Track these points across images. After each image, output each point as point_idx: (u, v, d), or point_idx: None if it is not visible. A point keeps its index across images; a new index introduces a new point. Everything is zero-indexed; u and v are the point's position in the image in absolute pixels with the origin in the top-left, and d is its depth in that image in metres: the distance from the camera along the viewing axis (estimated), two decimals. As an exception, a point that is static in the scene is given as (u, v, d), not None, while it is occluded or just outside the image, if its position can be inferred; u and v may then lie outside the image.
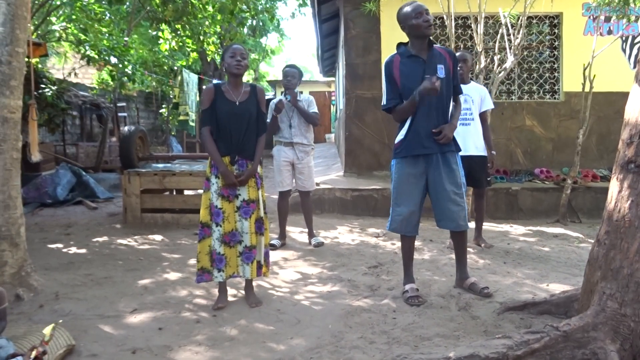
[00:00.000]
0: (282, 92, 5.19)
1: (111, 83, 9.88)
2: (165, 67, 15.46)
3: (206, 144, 3.43)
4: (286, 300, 3.56)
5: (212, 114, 3.43)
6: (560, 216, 6.38)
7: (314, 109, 5.17)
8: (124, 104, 14.66)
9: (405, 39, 3.52)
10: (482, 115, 4.78)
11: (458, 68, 3.83)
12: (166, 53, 13.41)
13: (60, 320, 2.95)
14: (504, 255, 4.68)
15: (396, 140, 3.51)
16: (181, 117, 11.27)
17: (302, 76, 5.21)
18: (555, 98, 8.03)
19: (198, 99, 11.90)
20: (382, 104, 3.57)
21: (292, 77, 5.06)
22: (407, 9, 3.37)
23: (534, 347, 2.41)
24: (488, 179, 4.82)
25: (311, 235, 5.27)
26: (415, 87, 3.29)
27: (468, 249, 4.82)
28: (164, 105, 17.50)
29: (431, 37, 3.44)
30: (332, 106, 21.62)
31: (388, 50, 7.77)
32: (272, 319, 3.21)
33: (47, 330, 2.58)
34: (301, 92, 5.23)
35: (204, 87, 15.64)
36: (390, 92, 3.47)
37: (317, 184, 7.18)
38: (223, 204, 3.41)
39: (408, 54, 3.42)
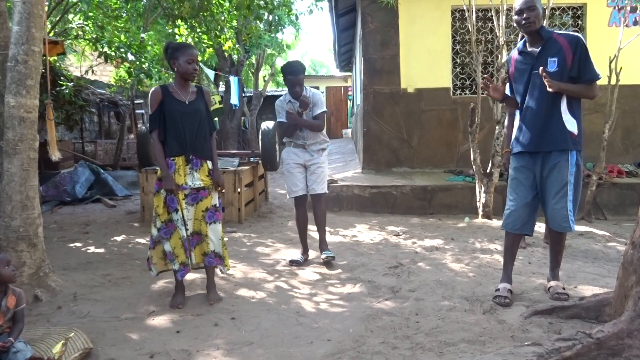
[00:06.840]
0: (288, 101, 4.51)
1: (129, 80, 9.90)
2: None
3: (153, 147, 3.47)
4: (305, 302, 3.50)
5: (159, 116, 3.43)
6: (585, 213, 6.22)
7: (322, 108, 4.51)
8: (141, 101, 14.71)
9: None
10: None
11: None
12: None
13: (72, 333, 2.90)
14: (528, 255, 4.55)
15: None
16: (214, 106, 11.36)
17: (305, 71, 4.50)
18: (578, 91, 7.81)
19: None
20: None
21: (299, 86, 4.41)
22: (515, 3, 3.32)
23: (565, 355, 2.31)
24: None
25: (323, 246, 4.58)
26: (521, 86, 3.34)
27: (492, 248, 4.73)
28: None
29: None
30: (348, 101, 21.49)
31: (406, 44, 7.64)
32: (292, 322, 3.14)
33: (56, 348, 2.54)
34: (316, 87, 4.80)
35: (220, 82, 15.54)
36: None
37: (336, 181, 7.10)
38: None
39: (521, 49, 3.39)
